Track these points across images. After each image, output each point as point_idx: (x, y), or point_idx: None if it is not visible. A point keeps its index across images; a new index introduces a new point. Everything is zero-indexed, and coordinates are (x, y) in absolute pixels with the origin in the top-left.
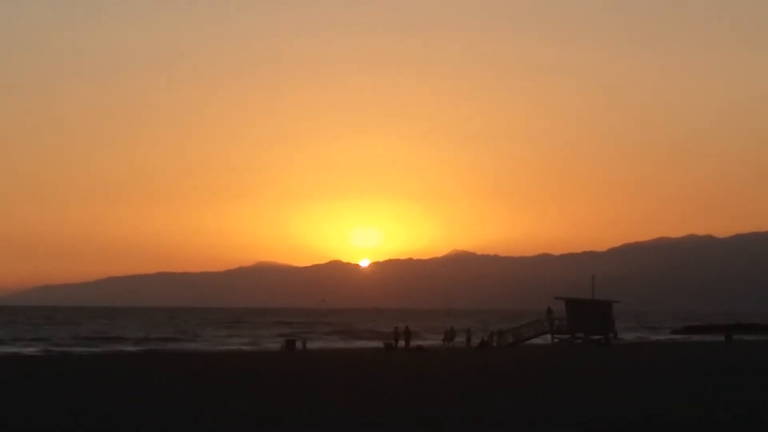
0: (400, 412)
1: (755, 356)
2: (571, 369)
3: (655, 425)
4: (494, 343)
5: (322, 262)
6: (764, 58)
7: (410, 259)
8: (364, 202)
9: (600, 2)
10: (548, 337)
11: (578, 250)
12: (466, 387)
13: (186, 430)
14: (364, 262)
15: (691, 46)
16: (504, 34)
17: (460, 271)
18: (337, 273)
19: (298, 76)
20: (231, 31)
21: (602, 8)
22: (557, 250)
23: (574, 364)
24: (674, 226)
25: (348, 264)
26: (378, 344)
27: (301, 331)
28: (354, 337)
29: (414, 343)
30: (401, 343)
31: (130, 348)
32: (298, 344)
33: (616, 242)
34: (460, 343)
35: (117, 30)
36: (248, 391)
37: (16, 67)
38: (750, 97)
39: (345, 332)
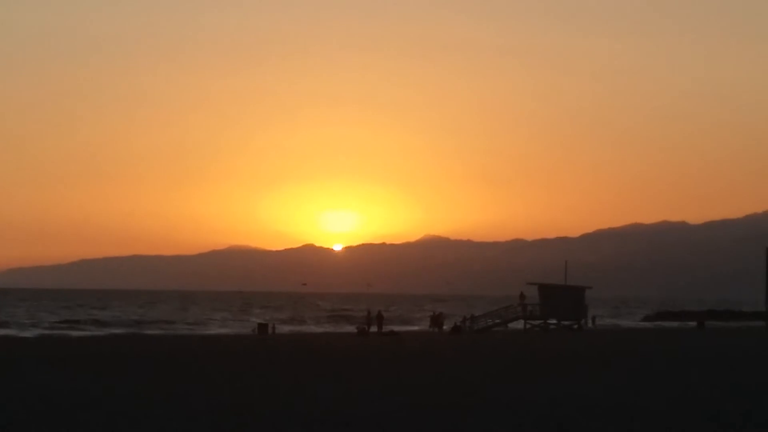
0: (367, 395)
1: (726, 343)
2: (543, 354)
3: (626, 410)
4: (467, 328)
5: (295, 246)
6: (744, 45)
7: (383, 244)
8: (337, 186)
9: None
10: (521, 322)
11: (552, 235)
12: (437, 371)
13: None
14: (338, 247)
15: (664, 30)
16: (475, 19)
17: (433, 256)
18: (310, 257)
19: (270, 59)
20: (204, 13)
21: None
22: (530, 236)
23: (546, 349)
24: (647, 213)
25: (321, 248)
26: (351, 329)
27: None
28: (326, 321)
29: (387, 327)
30: (374, 328)
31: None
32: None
33: (590, 228)
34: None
35: (94, 12)
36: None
37: None
38: (726, 85)
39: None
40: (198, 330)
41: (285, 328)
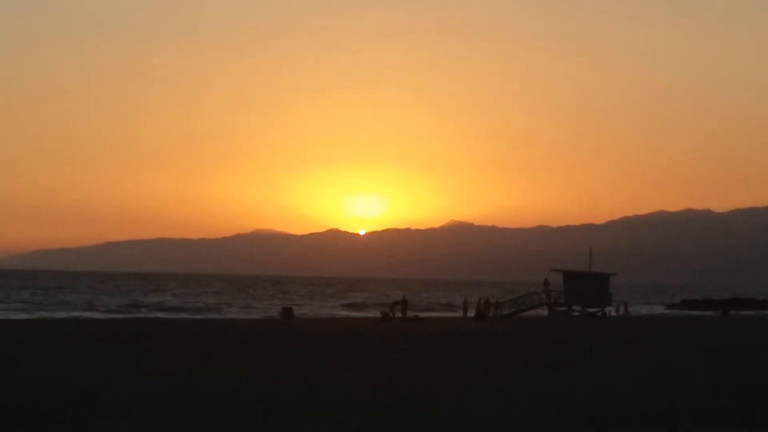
0: (389, 380)
1: (750, 331)
2: (566, 341)
3: (649, 398)
4: (491, 314)
5: (320, 230)
6: (764, 31)
7: (408, 229)
8: (362, 170)
9: None
10: (545, 309)
11: (576, 222)
12: (458, 356)
13: (179, 398)
14: (362, 231)
15: (695, 18)
16: (505, 4)
17: (457, 241)
18: (335, 242)
19: (298, 44)
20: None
21: None
22: (555, 222)
23: (570, 336)
24: (673, 200)
25: (346, 233)
26: (375, 313)
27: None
28: (349, 306)
29: (412, 313)
30: (398, 313)
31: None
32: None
33: (615, 215)
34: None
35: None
36: (237, 358)
37: (14, 30)
38: (751, 71)
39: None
40: (222, 314)
41: (309, 313)
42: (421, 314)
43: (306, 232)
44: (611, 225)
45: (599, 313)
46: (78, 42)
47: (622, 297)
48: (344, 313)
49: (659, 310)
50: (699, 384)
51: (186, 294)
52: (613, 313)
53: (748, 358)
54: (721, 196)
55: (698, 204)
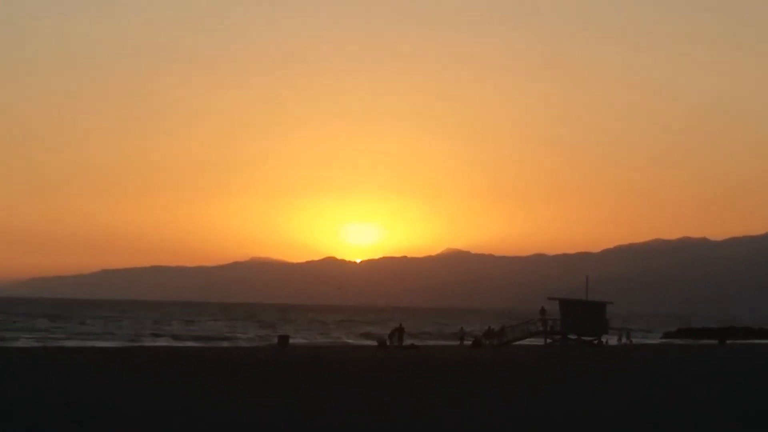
0: (384, 407)
1: (747, 361)
2: (562, 369)
3: (639, 425)
4: (487, 342)
5: (316, 258)
6: (762, 59)
7: (405, 257)
8: (359, 199)
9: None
10: (541, 337)
11: (573, 250)
12: (455, 385)
13: (178, 424)
14: (359, 259)
15: (689, 47)
16: (501, 33)
17: (454, 269)
18: (331, 269)
19: (294, 72)
20: (227, 28)
21: (598, 7)
22: (552, 251)
23: (566, 364)
24: (669, 229)
25: (342, 261)
26: (371, 342)
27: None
28: (344, 334)
29: (408, 341)
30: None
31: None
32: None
33: (611, 243)
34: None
35: (114, 25)
36: (234, 385)
37: (9, 59)
38: (746, 100)
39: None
40: (219, 342)
41: (305, 341)
42: (418, 342)
43: (303, 260)
44: (608, 253)
45: (596, 342)
46: (74, 70)
47: (617, 326)
48: (341, 340)
49: (656, 338)
50: (688, 415)
51: (185, 322)
52: (615, 342)
53: (745, 387)
54: (717, 225)
55: (694, 232)
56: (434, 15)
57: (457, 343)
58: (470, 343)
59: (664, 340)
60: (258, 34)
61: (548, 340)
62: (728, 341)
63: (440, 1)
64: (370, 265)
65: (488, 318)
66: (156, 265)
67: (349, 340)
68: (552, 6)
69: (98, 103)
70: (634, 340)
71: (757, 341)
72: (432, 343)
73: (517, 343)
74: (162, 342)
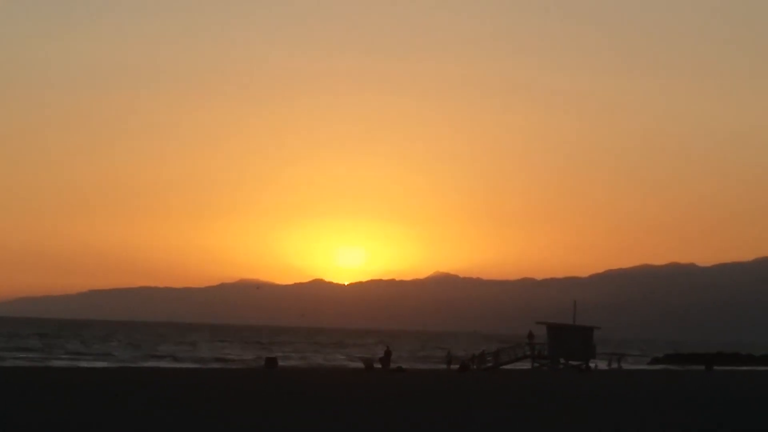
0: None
1: (734, 387)
2: (549, 394)
3: None
4: (474, 366)
5: (304, 280)
6: (757, 88)
7: (393, 280)
8: (347, 222)
9: (587, 25)
10: (529, 361)
11: (561, 275)
12: (439, 409)
13: None
14: (347, 282)
15: (679, 73)
16: (489, 57)
17: (442, 293)
18: (319, 292)
19: (285, 94)
20: (220, 47)
21: (588, 34)
22: (540, 275)
23: (553, 389)
24: (657, 254)
25: (330, 283)
26: (358, 364)
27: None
28: (332, 356)
29: (395, 364)
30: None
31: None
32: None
33: (599, 268)
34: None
35: (103, 43)
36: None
37: (6, 78)
38: (736, 127)
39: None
40: (205, 363)
41: (293, 363)
42: (404, 365)
43: (291, 282)
44: (595, 278)
45: (583, 366)
46: (66, 91)
47: (605, 351)
48: (328, 363)
49: (643, 364)
50: None
51: (174, 343)
52: (606, 367)
53: (731, 414)
54: (705, 251)
55: (683, 258)
56: (425, 43)
57: (445, 366)
58: (457, 367)
59: (651, 366)
60: (252, 53)
61: (536, 364)
62: (716, 367)
63: (433, 29)
64: (358, 287)
65: (476, 342)
66: (144, 285)
67: (337, 363)
68: (541, 33)
69: (87, 122)
70: (624, 366)
71: (744, 368)
72: (419, 366)
73: (505, 367)
74: (150, 363)
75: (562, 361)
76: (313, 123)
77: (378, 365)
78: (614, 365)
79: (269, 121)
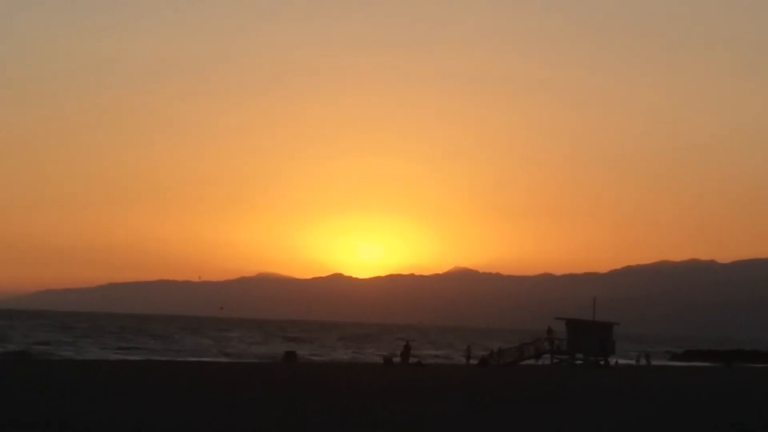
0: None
1: (754, 384)
2: (569, 390)
3: None
4: (493, 362)
5: (324, 274)
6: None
7: (412, 275)
8: (367, 217)
9: (604, 21)
10: (548, 357)
11: (580, 271)
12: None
13: None
14: (366, 276)
15: (697, 69)
16: (511, 54)
17: (461, 288)
18: (338, 286)
19: (306, 92)
20: (242, 44)
21: (608, 29)
22: (559, 271)
23: (572, 385)
24: (676, 250)
25: (350, 277)
26: (377, 359)
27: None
28: (351, 351)
29: (414, 359)
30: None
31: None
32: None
33: (618, 264)
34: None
35: (127, 38)
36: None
37: (20, 72)
38: (755, 122)
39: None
40: (224, 357)
41: (312, 357)
42: (424, 360)
43: (310, 276)
44: (615, 274)
45: (602, 362)
46: (87, 84)
47: (626, 346)
48: (347, 357)
49: (663, 360)
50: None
51: (192, 335)
52: (634, 363)
53: (749, 411)
54: (725, 247)
55: (702, 254)
56: (444, 37)
57: (464, 362)
58: (477, 362)
59: (670, 363)
60: (275, 51)
61: (555, 360)
62: (736, 364)
63: (453, 24)
64: (377, 282)
65: (495, 337)
66: (163, 279)
67: (356, 357)
68: (560, 29)
69: (108, 117)
70: (653, 362)
71: (765, 365)
72: (439, 361)
73: (524, 363)
74: (168, 356)
75: (580, 357)
76: (334, 120)
77: (397, 360)
78: (642, 362)
79: (291, 119)
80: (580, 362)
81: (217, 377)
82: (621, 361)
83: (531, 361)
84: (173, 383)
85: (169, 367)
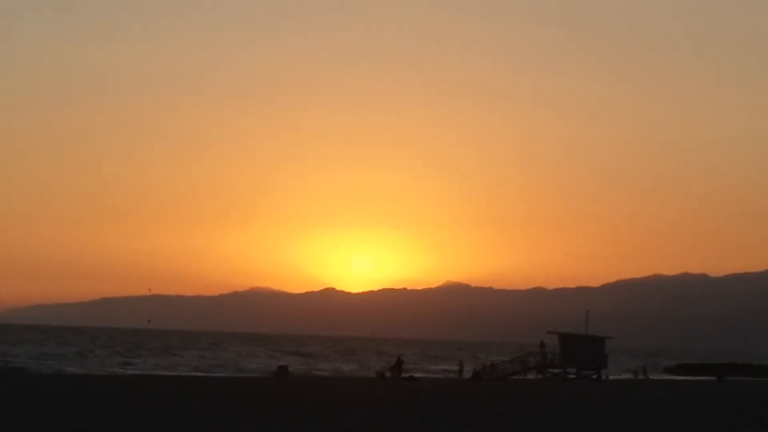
0: None
1: (746, 398)
2: (561, 404)
3: None
4: (486, 376)
5: (316, 289)
6: (759, 93)
7: (404, 289)
8: (359, 231)
9: (601, 30)
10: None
11: (572, 284)
12: (452, 418)
13: None
14: (358, 291)
15: (690, 82)
16: (499, 65)
17: (453, 302)
18: (331, 300)
19: (298, 104)
20: (233, 57)
21: (603, 40)
22: (551, 284)
23: (564, 399)
24: (669, 264)
25: (342, 292)
26: (370, 374)
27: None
28: (343, 364)
29: (407, 373)
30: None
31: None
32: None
33: (611, 278)
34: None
35: (122, 49)
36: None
37: (11, 84)
38: (748, 134)
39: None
40: (215, 371)
41: (304, 371)
42: (417, 374)
43: (302, 291)
44: (607, 288)
45: (594, 376)
46: (77, 98)
47: (617, 360)
48: (340, 371)
49: (655, 374)
50: None
51: (184, 350)
52: (631, 377)
53: (740, 426)
54: (717, 261)
55: (694, 268)
56: (436, 49)
57: (456, 376)
58: (469, 376)
59: (662, 376)
60: (269, 63)
61: (548, 374)
62: (728, 378)
63: (446, 36)
64: (369, 296)
65: (487, 351)
66: (155, 293)
67: (348, 371)
68: (555, 39)
69: (99, 130)
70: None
71: (757, 378)
72: (431, 375)
73: (517, 377)
74: (161, 371)
75: (572, 370)
76: (325, 133)
77: (389, 374)
78: (640, 376)
79: (282, 131)
80: (573, 376)
81: (211, 391)
82: (616, 376)
83: (522, 375)
84: (166, 397)
85: (162, 382)
